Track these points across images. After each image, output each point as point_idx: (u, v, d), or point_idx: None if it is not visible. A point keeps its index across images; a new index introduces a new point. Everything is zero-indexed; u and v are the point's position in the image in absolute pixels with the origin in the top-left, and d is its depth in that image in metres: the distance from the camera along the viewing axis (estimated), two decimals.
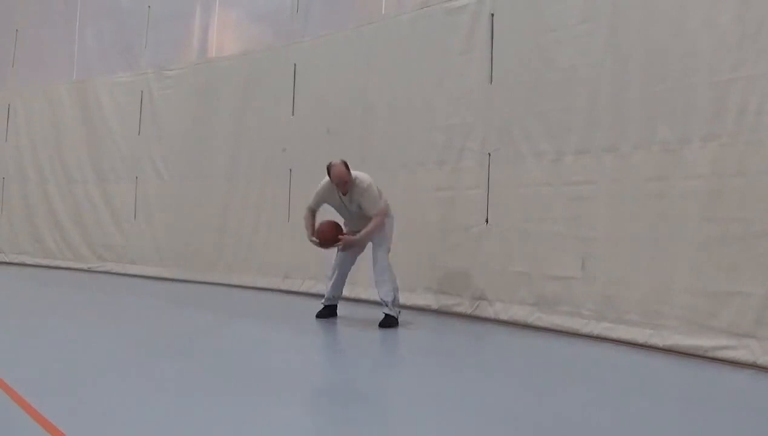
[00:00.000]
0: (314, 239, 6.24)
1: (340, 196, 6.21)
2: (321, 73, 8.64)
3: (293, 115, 8.93)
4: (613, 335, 5.57)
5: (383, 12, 8.25)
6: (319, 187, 6.31)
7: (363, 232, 6.15)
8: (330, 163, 6.15)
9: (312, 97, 8.70)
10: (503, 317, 6.48)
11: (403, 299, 7.24)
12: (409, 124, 7.49)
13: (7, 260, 12.10)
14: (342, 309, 6.75)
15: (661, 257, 5.33)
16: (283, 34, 9.37)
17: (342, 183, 6.10)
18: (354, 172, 6.16)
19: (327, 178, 6.22)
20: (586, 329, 5.77)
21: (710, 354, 4.92)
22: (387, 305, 6.20)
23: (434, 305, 7.12)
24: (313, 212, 6.34)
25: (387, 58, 7.86)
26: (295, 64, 8.94)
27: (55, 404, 3.37)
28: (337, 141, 8.18)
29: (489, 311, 6.62)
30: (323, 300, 6.64)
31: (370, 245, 6.35)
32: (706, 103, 5.11)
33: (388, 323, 6.17)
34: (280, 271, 8.88)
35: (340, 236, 6.20)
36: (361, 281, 7.26)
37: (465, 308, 6.83)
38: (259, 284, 9.02)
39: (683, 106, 5.24)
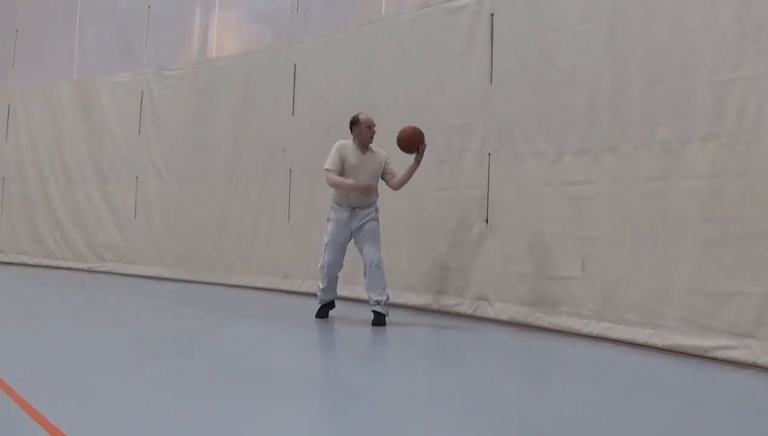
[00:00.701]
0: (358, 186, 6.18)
1: (358, 155, 6.26)
2: (321, 73, 8.64)
3: (293, 115, 8.93)
4: (613, 335, 5.57)
5: (383, 12, 8.25)
6: (336, 147, 6.30)
7: (411, 170, 6.30)
8: (356, 115, 6.31)
9: (312, 97, 8.70)
10: (503, 317, 6.48)
11: (403, 299, 7.26)
12: (409, 124, 7.47)
13: (7, 260, 12.10)
14: (341, 309, 6.75)
15: (661, 257, 5.33)
16: (283, 34, 9.38)
17: (373, 125, 6.27)
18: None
19: (341, 141, 6.33)
20: (586, 329, 5.77)
21: (710, 354, 4.92)
22: (380, 304, 6.22)
23: (434, 305, 7.12)
24: (338, 173, 6.21)
25: (387, 58, 7.86)
26: (295, 64, 8.94)
27: (55, 404, 3.37)
28: (337, 141, 8.16)
29: (489, 311, 6.62)
30: (319, 301, 6.63)
31: (358, 237, 6.35)
32: (706, 103, 5.11)
33: (381, 321, 6.21)
34: (280, 271, 8.88)
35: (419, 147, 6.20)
36: (362, 281, 7.23)
37: (465, 308, 6.83)
38: (259, 284, 9.02)
39: (683, 106, 5.24)
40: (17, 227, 12.16)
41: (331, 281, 6.49)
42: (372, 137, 6.32)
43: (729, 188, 4.95)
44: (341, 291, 7.02)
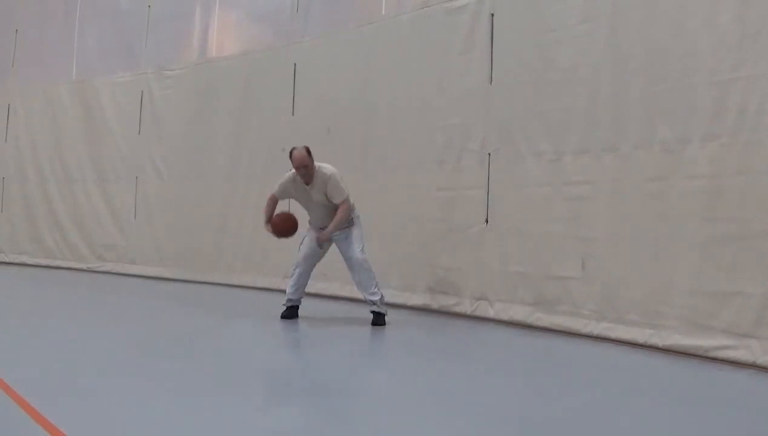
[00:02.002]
0: (269, 227, 6.29)
1: (304, 188, 6.22)
2: (321, 73, 8.64)
3: (293, 115, 8.93)
4: (613, 335, 5.57)
5: (383, 12, 8.25)
6: (284, 178, 6.35)
7: (331, 224, 6.17)
8: (292, 148, 6.21)
9: (312, 97, 8.70)
10: (503, 317, 6.48)
11: (403, 299, 7.26)
12: (409, 124, 7.48)
13: (7, 260, 12.10)
14: (341, 309, 6.75)
15: (661, 257, 5.33)
16: (283, 34, 9.37)
17: (302, 166, 6.11)
18: (318, 163, 6.22)
19: (290, 173, 6.29)
20: (586, 329, 5.77)
21: (710, 354, 4.92)
22: (375, 304, 6.23)
23: (434, 305, 7.12)
24: (275, 201, 6.35)
25: (387, 58, 7.86)
26: (295, 64, 8.94)
27: (55, 404, 3.37)
28: (337, 141, 8.17)
29: (489, 311, 6.61)
30: (286, 301, 6.51)
31: (338, 243, 6.34)
32: (706, 103, 5.11)
33: (381, 321, 6.22)
34: (280, 271, 8.86)
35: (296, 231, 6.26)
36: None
37: (465, 308, 6.83)
38: (259, 284, 9.01)
39: (683, 106, 5.24)
40: (17, 227, 12.15)
41: (302, 278, 6.43)
42: (306, 176, 6.16)
43: (729, 188, 4.95)
44: (342, 291, 7.01)
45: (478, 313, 6.70)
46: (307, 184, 6.20)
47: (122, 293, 8.93)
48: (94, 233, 11.34)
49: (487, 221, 6.72)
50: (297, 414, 3.48)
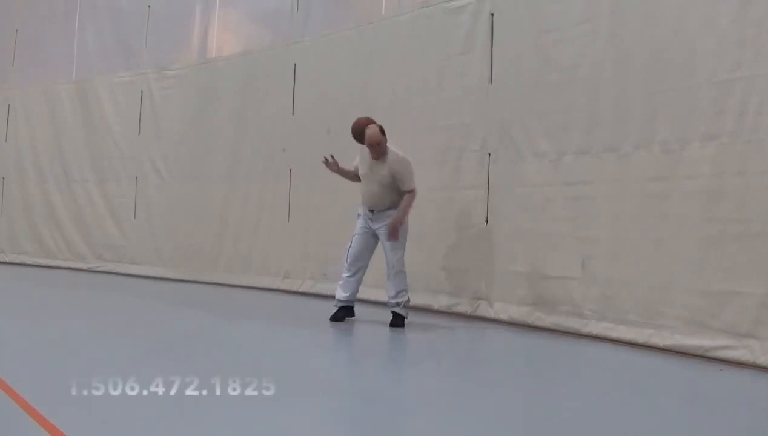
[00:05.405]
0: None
1: (369, 160, 6.15)
2: (321, 73, 8.64)
3: (293, 115, 8.93)
4: (613, 335, 5.57)
5: (383, 12, 8.26)
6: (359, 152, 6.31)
7: (400, 212, 6.06)
8: (365, 126, 6.16)
9: (312, 97, 8.70)
10: (503, 317, 6.48)
11: None
12: (409, 124, 7.48)
13: (7, 260, 12.09)
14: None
15: (661, 257, 5.32)
16: (283, 34, 9.38)
17: (375, 144, 6.07)
18: (392, 147, 6.16)
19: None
20: (586, 329, 5.77)
21: (710, 354, 4.92)
22: (399, 306, 6.15)
23: (434, 305, 7.12)
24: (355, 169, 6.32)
25: (387, 58, 7.85)
26: (295, 64, 8.94)
27: (55, 404, 3.37)
28: (337, 141, 8.17)
29: (489, 311, 6.61)
30: (337, 302, 6.32)
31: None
32: (706, 103, 5.11)
33: (399, 323, 6.14)
34: (280, 271, 8.88)
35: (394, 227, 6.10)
36: (365, 281, 7.21)
37: (465, 308, 6.83)
38: (259, 284, 9.01)
39: (683, 106, 5.24)
40: (17, 227, 12.14)
41: (351, 278, 6.24)
42: (376, 152, 6.12)
43: (729, 188, 4.95)
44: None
45: (478, 313, 6.70)
46: (375, 159, 6.14)
47: (122, 293, 8.93)
48: (94, 233, 11.34)
49: (487, 221, 6.72)
50: (298, 415, 3.47)
